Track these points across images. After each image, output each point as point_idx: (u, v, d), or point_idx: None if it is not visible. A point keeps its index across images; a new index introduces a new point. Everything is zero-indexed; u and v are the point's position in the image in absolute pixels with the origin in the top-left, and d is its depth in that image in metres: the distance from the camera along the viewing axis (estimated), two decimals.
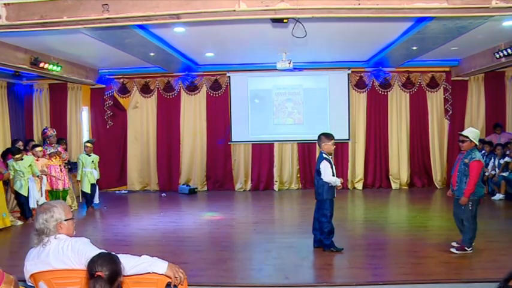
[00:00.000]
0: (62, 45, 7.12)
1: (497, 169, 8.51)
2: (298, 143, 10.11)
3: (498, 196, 8.24)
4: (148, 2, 4.15)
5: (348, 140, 9.95)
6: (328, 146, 5.09)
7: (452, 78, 9.79)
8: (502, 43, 7.37)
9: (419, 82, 9.86)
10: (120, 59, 8.31)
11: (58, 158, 7.71)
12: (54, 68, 7.73)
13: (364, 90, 9.96)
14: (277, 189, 10.07)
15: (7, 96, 9.44)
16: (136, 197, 9.76)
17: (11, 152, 7.17)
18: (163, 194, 9.82)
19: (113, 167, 10.25)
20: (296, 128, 10.11)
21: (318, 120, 9.93)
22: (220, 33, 6.75)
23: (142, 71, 9.82)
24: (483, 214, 5.90)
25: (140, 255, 2.45)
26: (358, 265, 4.64)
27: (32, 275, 2.44)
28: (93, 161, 8.28)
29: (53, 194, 7.49)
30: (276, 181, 10.13)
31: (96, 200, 8.41)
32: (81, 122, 10.40)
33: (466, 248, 4.78)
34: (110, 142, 10.30)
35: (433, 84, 9.83)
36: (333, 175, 5.01)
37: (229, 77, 10.07)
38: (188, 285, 2.65)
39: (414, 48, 7.41)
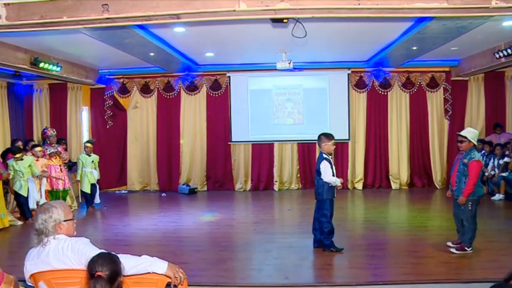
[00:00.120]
0: (61, 45, 7.12)
1: (496, 169, 8.50)
2: (298, 143, 10.10)
3: (498, 196, 8.23)
4: (148, 2, 4.14)
5: (348, 140, 9.95)
6: (328, 146, 5.09)
7: (452, 78, 9.78)
8: (502, 43, 7.37)
9: (419, 82, 9.86)
10: (120, 59, 8.31)
11: (58, 158, 7.72)
12: (54, 68, 7.73)
13: (364, 90, 9.96)
14: (277, 189, 10.07)
15: (7, 96, 9.43)
16: (136, 197, 9.75)
17: (12, 151, 7.17)
18: (163, 194, 9.82)
19: (113, 167, 10.25)
20: (296, 128, 10.10)
21: (318, 120, 9.93)
22: (220, 33, 6.75)
23: (142, 71, 9.82)
24: (483, 214, 5.89)
25: (140, 255, 2.45)
26: (358, 265, 4.64)
27: (32, 275, 2.44)
28: (93, 161, 8.30)
29: (53, 194, 7.49)
30: (276, 181, 10.13)
31: (97, 200, 8.43)
32: (81, 122, 10.39)
33: (466, 248, 4.79)
34: (110, 142, 10.30)
35: (433, 84, 9.83)
36: (333, 175, 5.01)
37: (229, 77, 10.07)
38: (188, 285, 2.65)
39: (414, 48, 7.41)
